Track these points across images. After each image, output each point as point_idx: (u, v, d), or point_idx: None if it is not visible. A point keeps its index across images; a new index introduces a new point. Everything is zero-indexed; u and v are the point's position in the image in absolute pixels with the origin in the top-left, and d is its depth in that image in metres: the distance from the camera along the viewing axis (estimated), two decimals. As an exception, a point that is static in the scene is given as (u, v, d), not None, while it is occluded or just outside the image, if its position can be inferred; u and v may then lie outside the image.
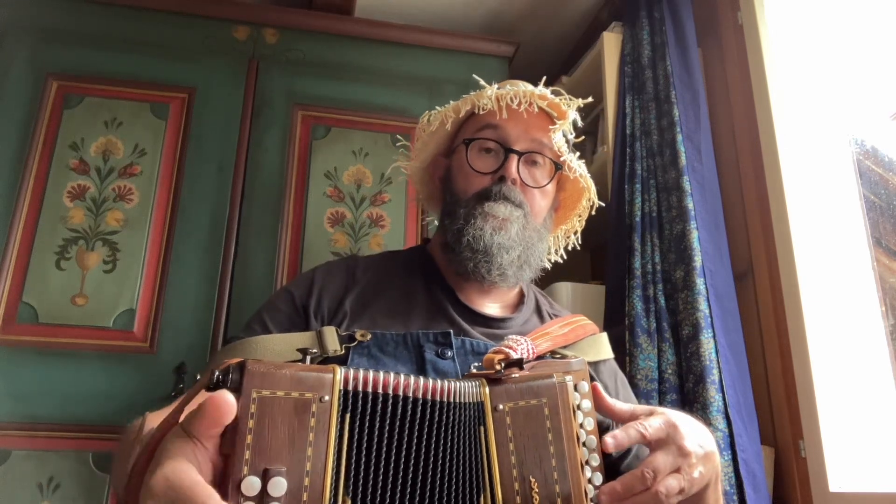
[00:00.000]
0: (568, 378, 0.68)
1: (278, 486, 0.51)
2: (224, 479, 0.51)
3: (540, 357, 0.83)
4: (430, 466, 0.61)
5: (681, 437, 0.70)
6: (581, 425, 0.68)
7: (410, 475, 0.60)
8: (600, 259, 2.18)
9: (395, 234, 1.68)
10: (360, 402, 0.59)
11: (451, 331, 0.89)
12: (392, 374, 0.62)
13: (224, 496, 0.49)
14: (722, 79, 1.65)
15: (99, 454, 1.38)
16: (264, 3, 1.87)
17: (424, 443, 0.61)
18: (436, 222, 1.10)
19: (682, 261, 1.41)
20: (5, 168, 1.52)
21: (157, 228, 1.55)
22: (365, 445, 0.58)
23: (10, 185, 1.51)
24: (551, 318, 1.02)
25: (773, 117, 1.44)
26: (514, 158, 0.96)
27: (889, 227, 1.40)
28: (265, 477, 0.51)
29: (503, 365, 0.68)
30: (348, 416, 0.57)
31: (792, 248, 1.35)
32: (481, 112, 0.98)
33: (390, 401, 0.60)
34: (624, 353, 1.40)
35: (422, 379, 0.63)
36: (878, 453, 1.25)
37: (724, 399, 1.27)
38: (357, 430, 0.58)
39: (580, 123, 1.01)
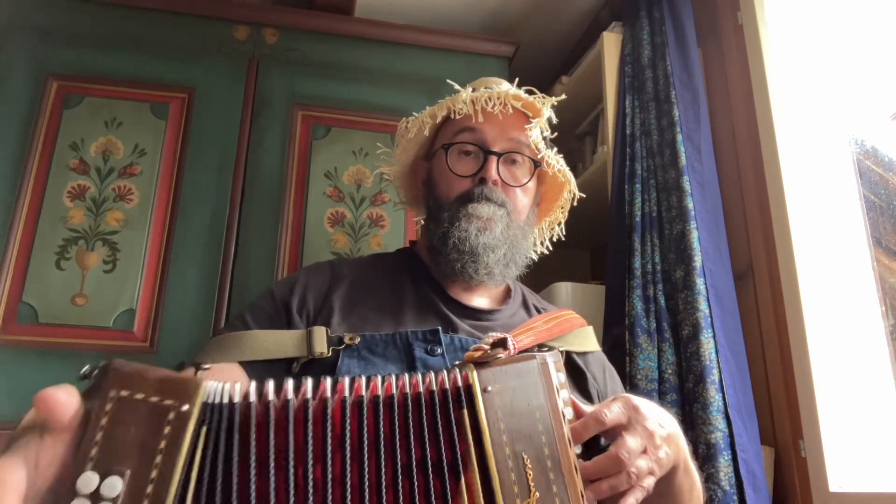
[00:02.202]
0: (549, 357, 0.69)
1: (112, 486, 0.50)
2: (66, 473, 0.50)
3: (523, 352, 0.84)
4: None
5: (643, 418, 0.70)
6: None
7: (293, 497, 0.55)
8: (600, 259, 2.18)
9: (395, 234, 1.68)
10: (220, 416, 0.56)
11: (440, 328, 0.90)
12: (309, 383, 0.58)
13: (63, 490, 0.49)
14: (722, 79, 1.65)
15: (99, 454, 1.37)
16: (264, 3, 1.87)
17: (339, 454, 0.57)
18: (423, 223, 1.12)
19: (682, 261, 1.41)
20: (5, 168, 1.52)
21: (157, 228, 1.55)
22: (221, 462, 0.55)
23: (10, 185, 1.51)
24: (539, 312, 1.04)
25: (773, 117, 1.44)
26: (493, 160, 0.98)
27: (889, 227, 1.40)
28: (104, 476, 0.50)
29: (490, 346, 0.69)
30: (204, 429, 0.55)
31: (792, 248, 1.35)
32: (457, 116, 0.99)
33: (254, 414, 0.56)
34: (624, 353, 1.40)
35: (380, 378, 0.61)
36: (878, 453, 1.25)
37: (724, 399, 1.27)
38: (213, 444, 0.55)
39: (555, 120, 1.02)
